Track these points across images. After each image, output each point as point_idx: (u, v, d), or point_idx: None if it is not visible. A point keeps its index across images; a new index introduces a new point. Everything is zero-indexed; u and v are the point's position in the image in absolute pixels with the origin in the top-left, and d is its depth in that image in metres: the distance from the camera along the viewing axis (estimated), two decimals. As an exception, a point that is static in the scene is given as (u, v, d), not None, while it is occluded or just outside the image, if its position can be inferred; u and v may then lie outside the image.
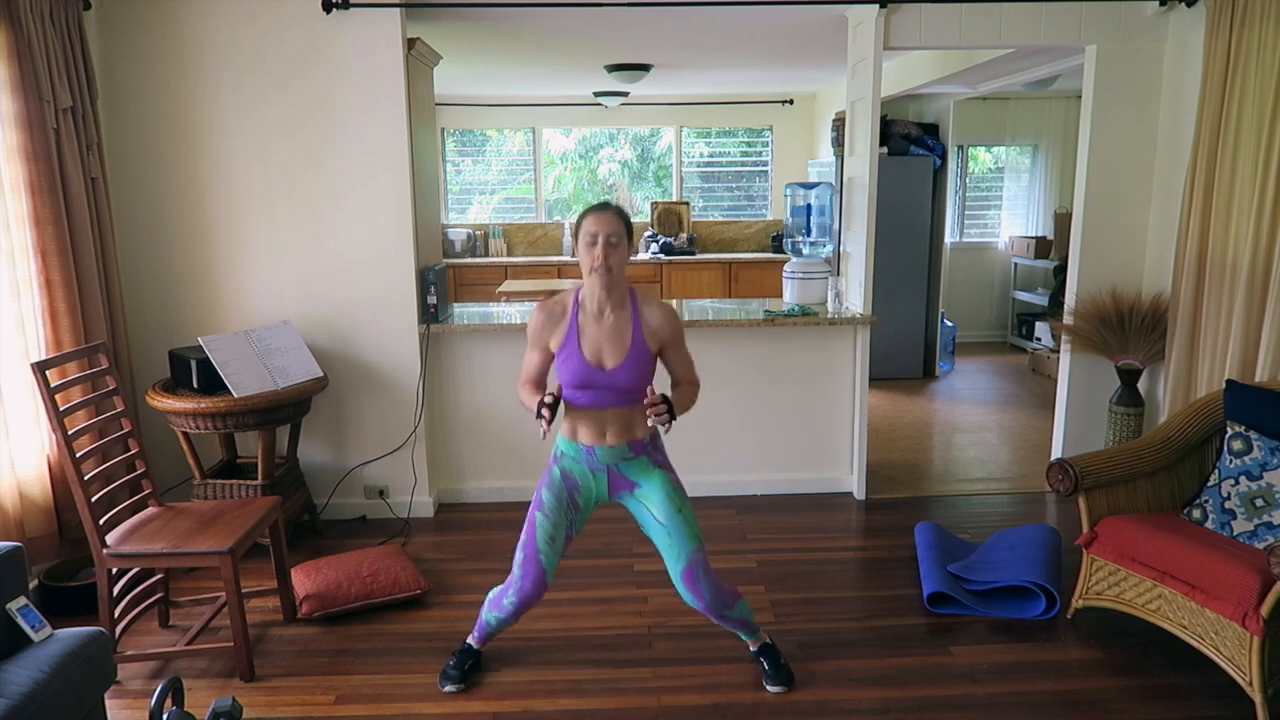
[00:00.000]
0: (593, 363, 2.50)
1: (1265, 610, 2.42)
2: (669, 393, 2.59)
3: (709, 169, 8.38)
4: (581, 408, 2.55)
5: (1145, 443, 3.10)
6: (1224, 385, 3.09)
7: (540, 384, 2.63)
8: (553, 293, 4.18)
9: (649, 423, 2.42)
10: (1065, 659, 2.90)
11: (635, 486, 2.62)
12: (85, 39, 3.46)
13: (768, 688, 2.72)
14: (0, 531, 3.05)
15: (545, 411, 2.38)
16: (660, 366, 2.61)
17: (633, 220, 2.58)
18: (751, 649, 2.83)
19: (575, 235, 2.53)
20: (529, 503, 2.66)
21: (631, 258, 3.04)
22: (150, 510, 2.99)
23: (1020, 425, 5.60)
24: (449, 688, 2.75)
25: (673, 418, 2.42)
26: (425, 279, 4.02)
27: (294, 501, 3.77)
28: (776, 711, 2.63)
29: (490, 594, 2.76)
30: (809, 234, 5.10)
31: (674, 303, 4.56)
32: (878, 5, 3.92)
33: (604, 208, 2.52)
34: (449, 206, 8.09)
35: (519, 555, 2.63)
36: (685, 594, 2.61)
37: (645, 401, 2.40)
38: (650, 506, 2.60)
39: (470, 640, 2.83)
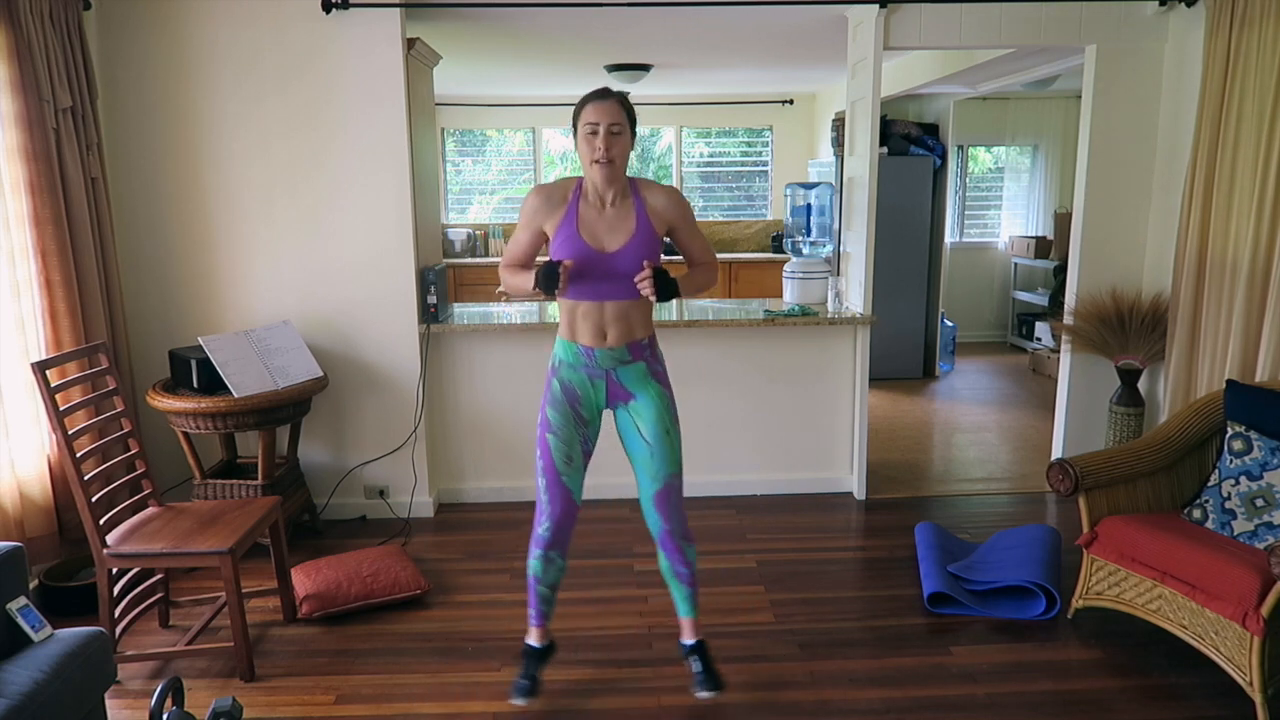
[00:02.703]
0: (592, 245, 2.40)
1: (1265, 610, 2.42)
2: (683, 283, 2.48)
3: (709, 169, 8.37)
4: (581, 301, 2.44)
5: (1145, 443, 3.10)
6: (1224, 385, 3.09)
7: (527, 268, 2.51)
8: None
9: (639, 288, 2.35)
10: (1065, 659, 2.90)
11: (631, 398, 2.53)
12: (85, 39, 3.46)
13: (698, 694, 2.61)
14: (0, 531, 3.05)
15: (560, 271, 2.32)
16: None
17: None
18: (685, 641, 2.70)
19: (574, 126, 2.40)
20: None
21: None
22: (150, 510, 2.99)
23: (1020, 425, 5.60)
24: (519, 700, 2.59)
25: (667, 294, 2.34)
26: (425, 279, 4.02)
27: (294, 501, 3.77)
28: (776, 711, 2.63)
29: (530, 547, 2.61)
30: (809, 234, 5.10)
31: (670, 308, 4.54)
32: (878, 5, 3.92)
33: (605, 94, 2.38)
34: (449, 206, 8.09)
35: (541, 482, 2.52)
36: (653, 516, 2.54)
37: (639, 277, 2.34)
38: (639, 422, 2.51)
39: (531, 640, 2.68)
